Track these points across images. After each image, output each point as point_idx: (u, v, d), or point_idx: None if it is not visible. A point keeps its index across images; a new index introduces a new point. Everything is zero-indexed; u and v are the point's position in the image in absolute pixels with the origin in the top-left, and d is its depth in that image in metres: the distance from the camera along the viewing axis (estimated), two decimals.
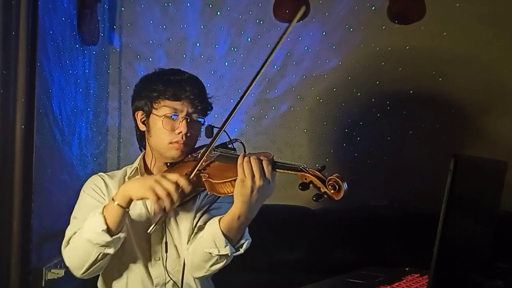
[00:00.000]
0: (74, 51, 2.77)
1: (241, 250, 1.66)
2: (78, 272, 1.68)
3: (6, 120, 2.16)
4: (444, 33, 3.00)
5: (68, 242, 1.71)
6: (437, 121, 3.07)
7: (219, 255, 1.62)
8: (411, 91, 3.06)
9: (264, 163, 1.55)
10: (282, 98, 3.14)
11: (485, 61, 2.99)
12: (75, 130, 2.80)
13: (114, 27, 3.15)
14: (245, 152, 1.69)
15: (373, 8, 3.05)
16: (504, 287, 1.61)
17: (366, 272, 1.78)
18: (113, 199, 1.60)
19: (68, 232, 1.74)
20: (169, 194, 1.53)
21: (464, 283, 1.40)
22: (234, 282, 2.00)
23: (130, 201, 1.61)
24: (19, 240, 2.19)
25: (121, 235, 1.63)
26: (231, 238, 1.61)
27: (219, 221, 1.61)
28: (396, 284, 1.61)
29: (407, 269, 1.80)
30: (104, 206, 1.62)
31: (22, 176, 2.19)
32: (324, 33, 3.10)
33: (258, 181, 1.53)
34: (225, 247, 1.60)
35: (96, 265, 1.64)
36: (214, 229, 1.61)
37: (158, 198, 1.53)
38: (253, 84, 1.59)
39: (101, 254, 1.62)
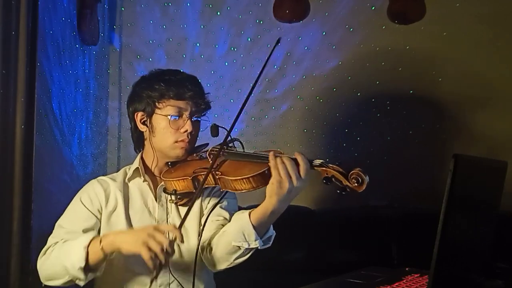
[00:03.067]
0: (74, 51, 2.77)
1: (269, 243, 1.67)
2: (44, 281, 1.72)
3: (6, 120, 2.16)
4: (444, 33, 3.00)
5: (46, 251, 1.73)
6: (437, 121, 3.07)
7: (248, 248, 1.62)
8: (411, 91, 3.06)
9: (301, 163, 1.56)
10: (282, 98, 3.14)
11: (485, 61, 2.99)
12: (75, 130, 2.80)
13: (114, 27, 3.15)
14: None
15: (373, 8, 3.05)
16: (504, 287, 1.61)
17: (366, 272, 1.78)
18: (100, 242, 1.59)
19: (51, 240, 1.75)
20: (163, 249, 1.50)
21: (464, 283, 1.39)
22: (234, 282, 2.00)
23: (116, 251, 1.60)
24: (19, 240, 2.19)
25: (97, 273, 1.65)
26: (260, 232, 1.62)
27: (249, 215, 1.61)
28: (396, 284, 1.60)
29: (407, 269, 1.80)
30: (91, 240, 1.60)
31: (22, 176, 2.19)
32: (324, 33, 3.10)
33: (295, 182, 1.55)
34: (255, 240, 1.61)
35: (62, 285, 1.67)
36: (243, 222, 1.61)
37: (152, 253, 1.50)
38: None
39: (71, 281, 1.64)
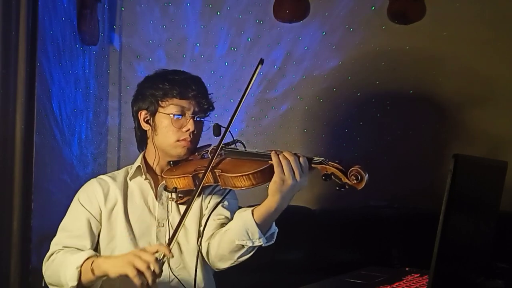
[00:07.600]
0: (74, 51, 2.77)
1: (273, 240, 1.67)
2: (49, 286, 1.72)
3: (6, 120, 2.16)
4: (444, 33, 3.00)
5: (49, 257, 1.73)
6: (437, 121, 3.07)
7: (252, 246, 1.62)
8: (411, 91, 3.06)
9: (301, 160, 1.57)
10: (282, 98, 3.14)
11: (485, 61, 2.99)
12: (75, 130, 2.80)
13: (114, 27, 3.15)
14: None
15: (373, 8, 3.05)
16: (504, 287, 1.61)
17: (366, 272, 1.78)
18: (92, 268, 1.58)
19: (53, 246, 1.75)
20: (149, 267, 1.48)
21: (464, 283, 1.39)
22: (234, 282, 2.00)
23: (105, 274, 1.58)
24: (19, 240, 2.19)
25: None
26: (263, 229, 1.62)
27: (252, 212, 1.62)
28: (396, 284, 1.60)
29: (407, 269, 1.80)
30: (85, 260, 1.60)
31: (22, 176, 2.19)
32: (324, 33, 3.10)
33: (298, 178, 1.56)
34: (259, 238, 1.61)
35: None
36: (246, 220, 1.62)
37: (139, 272, 1.48)
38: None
39: None
